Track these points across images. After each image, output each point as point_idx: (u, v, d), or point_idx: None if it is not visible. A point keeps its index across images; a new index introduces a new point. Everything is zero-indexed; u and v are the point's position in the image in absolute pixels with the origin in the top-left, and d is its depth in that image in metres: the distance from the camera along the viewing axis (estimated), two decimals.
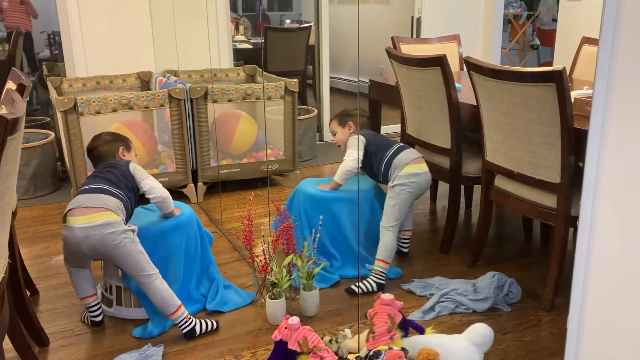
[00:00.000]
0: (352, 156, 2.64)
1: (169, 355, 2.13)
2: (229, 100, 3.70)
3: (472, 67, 2.42)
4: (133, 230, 2.10)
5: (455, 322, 2.30)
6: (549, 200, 2.33)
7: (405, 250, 2.89)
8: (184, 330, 2.18)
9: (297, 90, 3.87)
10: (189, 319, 2.19)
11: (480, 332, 1.91)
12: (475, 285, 2.48)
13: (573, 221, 2.24)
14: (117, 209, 2.08)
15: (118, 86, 4.10)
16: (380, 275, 2.54)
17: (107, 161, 2.31)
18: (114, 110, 3.36)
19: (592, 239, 1.37)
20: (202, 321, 2.23)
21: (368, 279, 2.55)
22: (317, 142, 4.95)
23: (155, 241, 2.30)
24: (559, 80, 2.08)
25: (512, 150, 2.39)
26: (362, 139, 2.69)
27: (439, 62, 2.64)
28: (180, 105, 3.53)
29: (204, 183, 3.75)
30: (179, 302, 2.16)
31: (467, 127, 2.77)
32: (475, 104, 2.56)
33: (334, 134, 2.85)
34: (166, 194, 2.30)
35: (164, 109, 3.54)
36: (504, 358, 2.08)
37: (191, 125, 3.67)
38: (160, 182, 2.35)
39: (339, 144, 2.83)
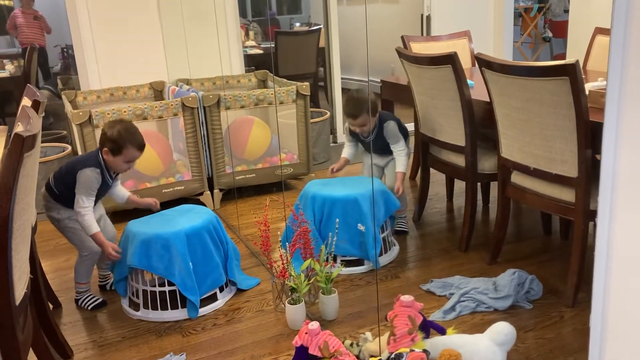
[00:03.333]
0: (404, 145, 3.01)
1: None
2: (242, 107, 3.72)
3: (483, 63, 2.40)
4: (60, 219, 2.52)
5: (476, 322, 2.29)
6: (567, 195, 2.31)
7: (406, 228, 3.16)
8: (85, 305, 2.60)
9: (309, 94, 3.87)
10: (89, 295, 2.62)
11: (502, 330, 1.89)
12: (495, 283, 2.46)
13: (592, 215, 2.21)
14: (53, 203, 2.52)
15: (132, 97, 4.13)
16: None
17: (93, 151, 2.57)
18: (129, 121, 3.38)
19: (612, 232, 1.34)
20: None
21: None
22: (331, 144, 4.94)
23: (183, 243, 2.42)
24: (573, 74, 2.06)
25: (527, 145, 2.37)
26: (395, 124, 2.97)
27: (450, 60, 2.63)
28: (193, 113, 3.55)
29: (220, 190, 3.77)
30: (88, 281, 2.61)
31: (481, 124, 2.75)
32: (488, 100, 2.54)
33: (363, 125, 2.93)
34: (80, 218, 2.44)
35: (177, 118, 3.56)
36: (527, 356, 2.06)
37: (205, 133, 3.69)
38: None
39: (367, 129, 2.96)
